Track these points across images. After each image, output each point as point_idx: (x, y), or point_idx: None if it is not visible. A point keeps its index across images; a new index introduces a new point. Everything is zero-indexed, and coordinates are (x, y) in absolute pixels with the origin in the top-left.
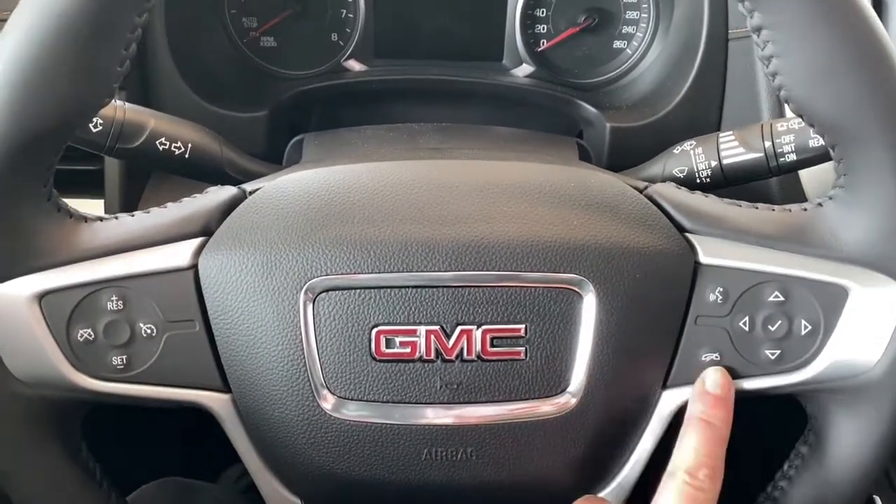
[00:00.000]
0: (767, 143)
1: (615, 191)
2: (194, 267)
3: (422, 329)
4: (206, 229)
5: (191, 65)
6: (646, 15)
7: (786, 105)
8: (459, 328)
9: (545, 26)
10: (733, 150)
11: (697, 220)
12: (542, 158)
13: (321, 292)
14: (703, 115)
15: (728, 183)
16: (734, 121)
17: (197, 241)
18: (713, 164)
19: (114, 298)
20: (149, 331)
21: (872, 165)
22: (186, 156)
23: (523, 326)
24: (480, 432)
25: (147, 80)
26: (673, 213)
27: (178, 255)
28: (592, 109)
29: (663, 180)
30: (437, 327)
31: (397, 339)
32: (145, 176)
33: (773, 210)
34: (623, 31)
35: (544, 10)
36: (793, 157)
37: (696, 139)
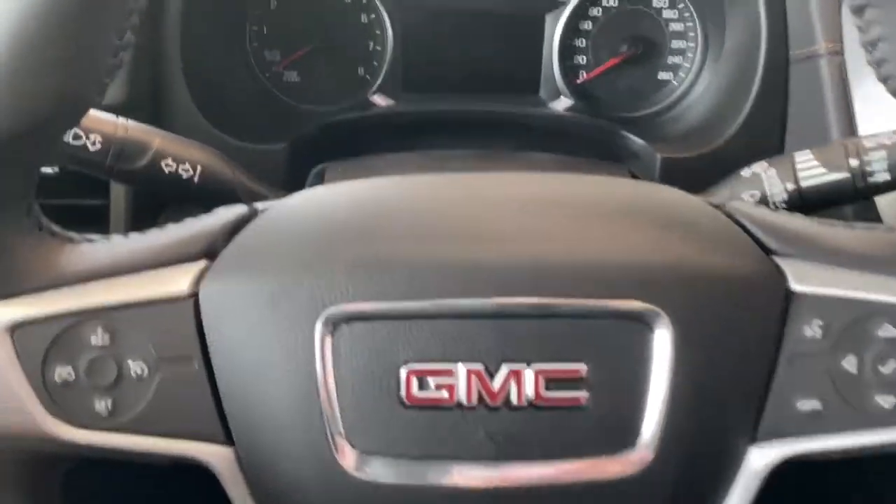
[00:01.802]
0: (853, 162)
1: (689, 206)
2: (194, 295)
3: (461, 368)
4: (210, 251)
5: (207, 96)
6: (693, 45)
7: (861, 125)
8: (506, 367)
9: (585, 57)
10: (813, 170)
11: (786, 241)
12: None
13: (341, 323)
14: (762, 143)
15: (807, 209)
16: (798, 147)
17: (198, 266)
18: (790, 187)
19: (99, 331)
20: (139, 370)
21: None
22: (195, 180)
23: (584, 366)
24: (532, 497)
25: (160, 110)
26: (757, 232)
27: (175, 280)
28: (639, 141)
29: None
30: (479, 366)
31: (431, 381)
32: (156, 210)
33: (875, 230)
34: (669, 61)
35: (583, 40)
36: (885, 175)
37: (767, 160)
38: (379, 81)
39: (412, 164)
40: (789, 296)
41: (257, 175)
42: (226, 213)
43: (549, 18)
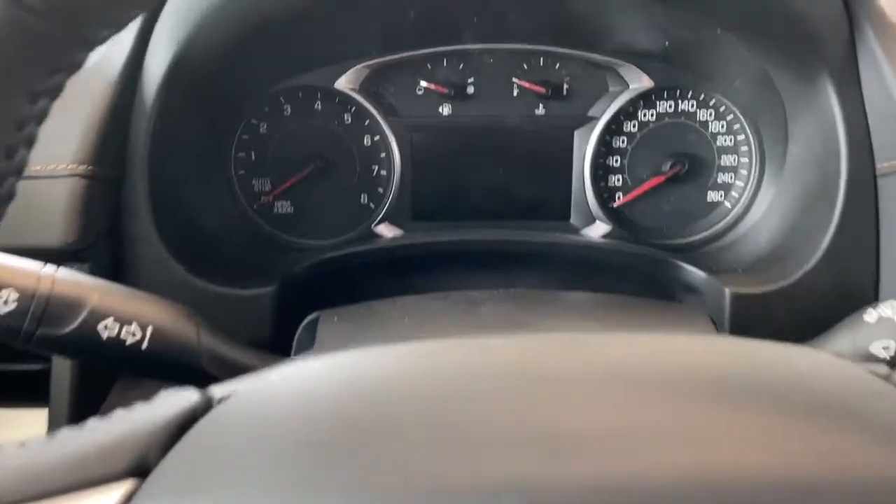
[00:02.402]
0: None
1: (850, 380)
2: None
3: None
4: (140, 466)
5: (179, 232)
6: (746, 160)
7: None
8: None
9: (620, 177)
10: None
11: None
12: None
13: None
14: (855, 272)
15: None
16: None
17: (121, 489)
18: None
19: None
20: None
21: None
22: (144, 346)
23: None
24: None
25: (120, 251)
26: None
27: None
28: (700, 273)
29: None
30: None
31: None
32: (109, 378)
33: None
34: (719, 180)
35: (619, 159)
36: None
37: None
38: (385, 210)
39: (430, 311)
40: None
41: (239, 327)
42: (167, 405)
43: (578, 135)
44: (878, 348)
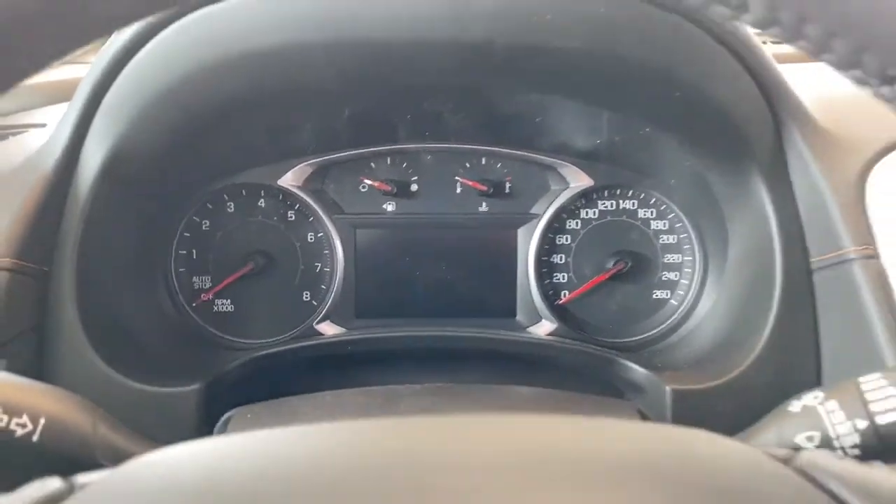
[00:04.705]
0: None
1: (748, 464)
2: None
3: None
4: None
5: (105, 326)
6: (690, 258)
7: None
8: None
9: (565, 275)
10: (892, 399)
11: None
12: None
13: None
14: (795, 366)
15: (889, 452)
16: (841, 369)
17: None
18: (861, 424)
19: None
20: None
21: None
22: (35, 439)
23: None
24: None
25: (45, 344)
26: (848, 497)
27: None
28: (642, 370)
29: None
30: None
31: None
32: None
33: None
34: (664, 277)
35: (563, 256)
36: None
37: (822, 390)
38: (327, 307)
39: (347, 406)
40: None
41: (159, 428)
42: (29, 493)
43: (521, 233)
44: (802, 439)
